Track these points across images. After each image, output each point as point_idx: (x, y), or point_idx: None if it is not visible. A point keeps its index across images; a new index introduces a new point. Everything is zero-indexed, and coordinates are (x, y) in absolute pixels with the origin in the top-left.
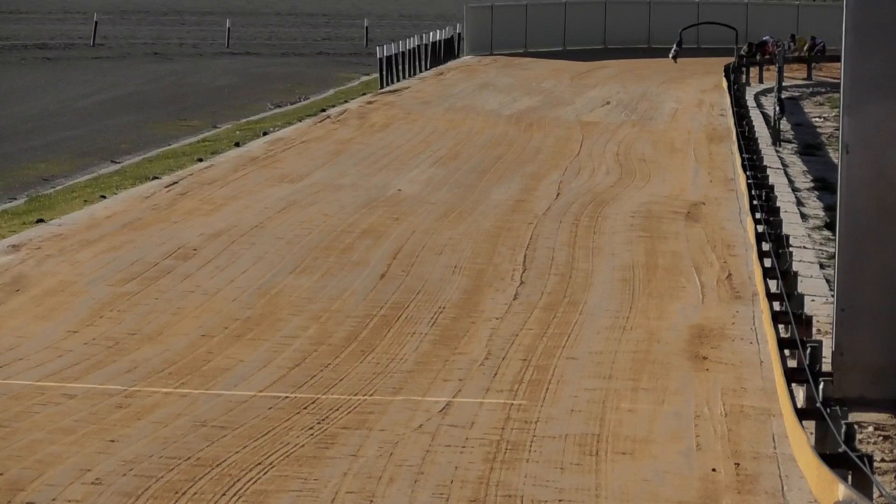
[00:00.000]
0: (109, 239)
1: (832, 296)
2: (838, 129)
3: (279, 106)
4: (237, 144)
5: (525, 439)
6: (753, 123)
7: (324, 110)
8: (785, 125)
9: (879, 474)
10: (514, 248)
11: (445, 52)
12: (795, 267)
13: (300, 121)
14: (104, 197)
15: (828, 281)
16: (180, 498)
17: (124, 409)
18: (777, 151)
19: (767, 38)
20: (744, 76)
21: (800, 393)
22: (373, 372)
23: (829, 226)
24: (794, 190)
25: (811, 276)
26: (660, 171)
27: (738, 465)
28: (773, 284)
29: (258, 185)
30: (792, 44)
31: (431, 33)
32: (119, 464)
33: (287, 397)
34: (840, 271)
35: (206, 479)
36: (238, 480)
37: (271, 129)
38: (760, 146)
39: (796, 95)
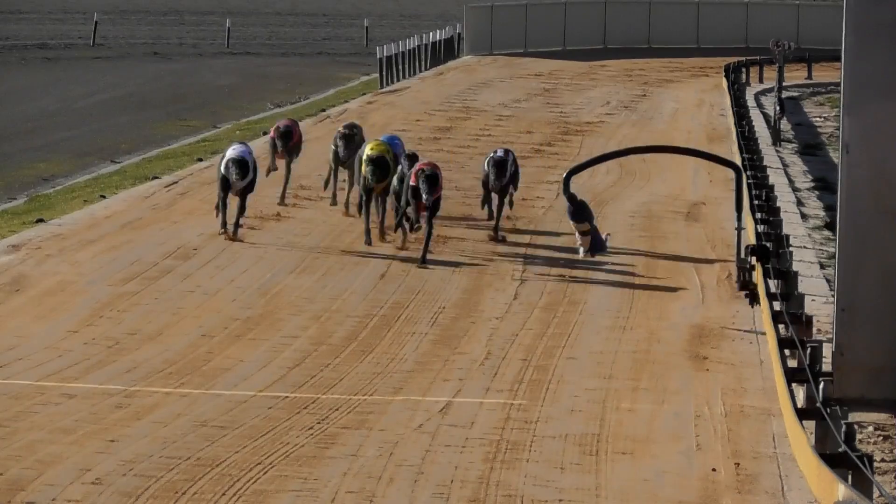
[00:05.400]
0: (109, 239)
1: (832, 296)
2: (838, 129)
3: (279, 106)
4: None
5: (525, 439)
6: (753, 123)
7: (324, 110)
8: (785, 125)
9: (879, 474)
10: (513, 247)
11: (445, 52)
12: (795, 267)
13: (300, 121)
14: (104, 197)
15: (828, 281)
16: (180, 498)
17: (124, 409)
18: (777, 151)
19: None
20: (744, 76)
21: (800, 393)
22: (373, 372)
23: (829, 226)
24: (795, 190)
25: (811, 276)
26: (660, 171)
27: (738, 464)
28: (773, 284)
29: (258, 185)
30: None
31: (431, 33)
32: (119, 464)
33: (287, 397)
34: (840, 271)
35: (206, 479)
36: (238, 480)
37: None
38: (760, 146)
39: (796, 95)
